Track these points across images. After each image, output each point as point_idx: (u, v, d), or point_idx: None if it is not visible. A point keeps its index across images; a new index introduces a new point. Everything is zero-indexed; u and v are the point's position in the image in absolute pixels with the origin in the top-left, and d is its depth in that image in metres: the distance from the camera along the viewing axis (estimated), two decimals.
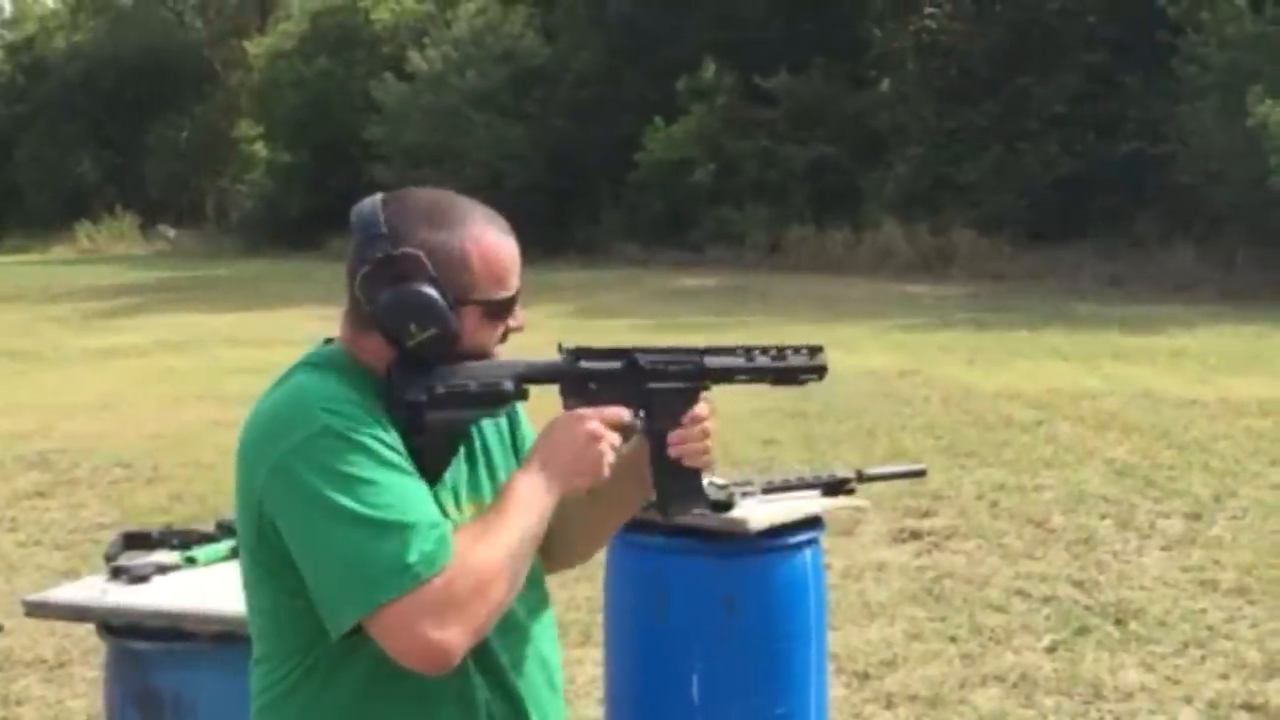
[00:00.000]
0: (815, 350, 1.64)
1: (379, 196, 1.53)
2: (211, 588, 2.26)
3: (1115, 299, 15.08)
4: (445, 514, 1.48)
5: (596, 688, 3.69)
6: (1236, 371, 10.02)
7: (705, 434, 1.58)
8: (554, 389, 1.58)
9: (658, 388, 1.57)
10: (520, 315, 1.58)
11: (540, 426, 1.58)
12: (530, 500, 1.48)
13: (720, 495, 2.68)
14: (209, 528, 2.53)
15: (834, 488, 2.86)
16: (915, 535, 5.57)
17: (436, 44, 23.36)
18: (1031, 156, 18.70)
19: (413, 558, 1.37)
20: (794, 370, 1.63)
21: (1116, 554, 5.31)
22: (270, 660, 1.52)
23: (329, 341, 1.58)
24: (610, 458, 1.52)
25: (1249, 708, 3.79)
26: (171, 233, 28.33)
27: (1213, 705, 3.81)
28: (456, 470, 1.56)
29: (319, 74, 25.72)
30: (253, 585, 1.52)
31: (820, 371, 1.64)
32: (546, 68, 22.76)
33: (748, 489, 2.77)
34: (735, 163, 20.66)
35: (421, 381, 1.49)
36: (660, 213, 21.11)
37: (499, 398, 1.53)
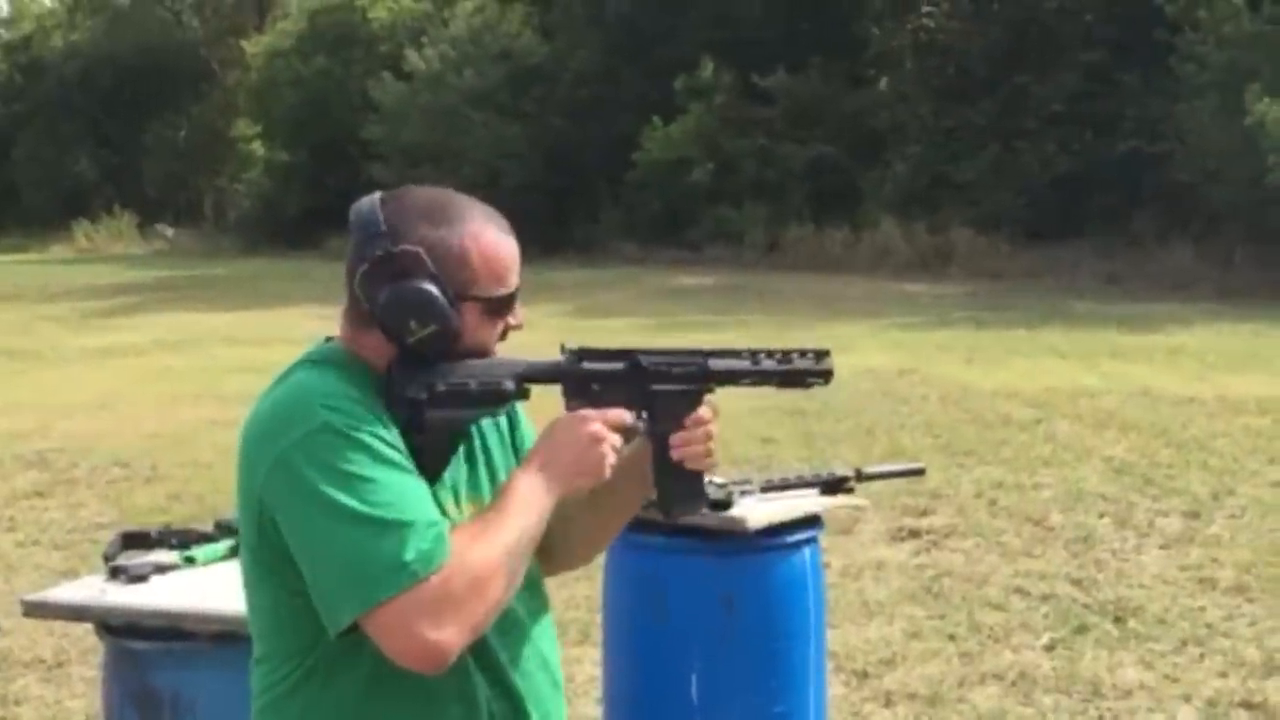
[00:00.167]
0: (822, 354, 1.64)
1: (377, 195, 1.53)
2: (210, 587, 2.26)
3: (1113, 297, 15.08)
4: (445, 513, 1.48)
5: (595, 686, 3.69)
6: (1234, 369, 10.03)
7: (708, 436, 1.58)
8: (556, 389, 1.57)
9: (661, 390, 1.57)
10: (520, 313, 1.57)
11: (541, 427, 1.58)
12: (530, 500, 1.48)
13: (719, 494, 2.68)
14: (207, 527, 2.53)
15: (833, 486, 2.86)
16: (914, 534, 5.57)
17: (434, 43, 23.35)
18: (1029, 155, 18.71)
19: (410, 556, 1.37)
20: (800, 374, 1.62)
21: (1115, 552, 5.31)
22: (271, 660, 1.52)
23: (329, 340, 1.57)
24: (612, 459, 1.52)
25: (1247, 706, 3.79)
26: (169, 232, 28.31)
27: (1211, 703, 3.81)
28: (456, 469, 1.55)
29: (317, 73, 25.70)
30: (253, 584, 1.52)
31: (826, 376, 1.63)
32: (544, 67, 22.76)
33: (746, 488, 2.77)
34: (733, 162, 20.66)
35: (422, 379, 1.48)
36: (658, 212, 21.11)
37: (500, 397, 1.53)
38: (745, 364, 1.60)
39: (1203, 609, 4.61)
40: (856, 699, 3.89)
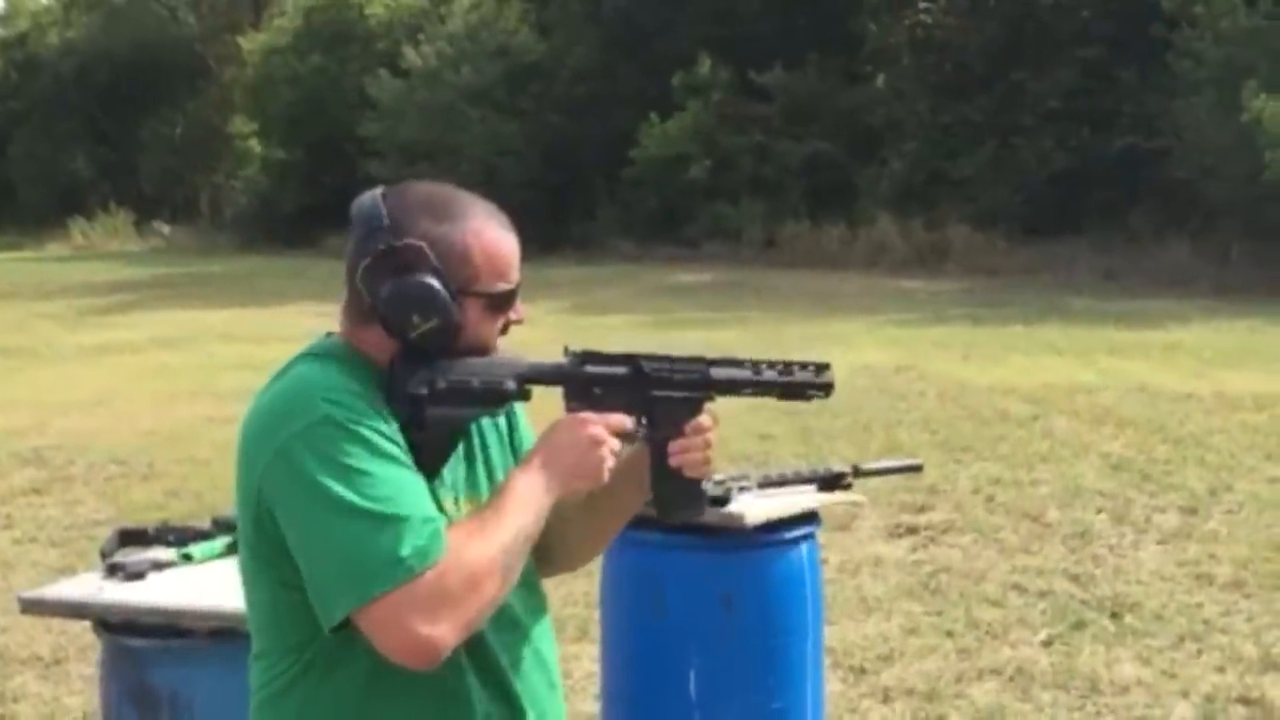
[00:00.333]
0: (822, 367, 1.65)
1: (379, 189, 1.53)
2: (208, 584, 2.26)
3: (1110, 294, 15.09)
4: (442, 511, 1.48)
5: (593, 683, 3.69)
6: (1231, 366, 10.03)
7: (707, 444, 1.58)
8: (557, 391, 1.57)
9: (662, 396, 1.58)
10: (520, 308, 1.58)
11: (540, 429, 1.58)
12: (528, 499, 1.48)
13: (716, 490, 2.68)
14: (205, 524, 2.53)
15: (830, 483, 2.86)
16: (911, 530, 5.57)
17: (431, 40, 23.32)
18: (1026, 151, 18.71)
19: (405, 551, 1.37)
20: (800, 386, 1.64)
21: (1112, 548, 5.31)
22: (269, 656, 1.52)
23: (330, 335, 1.57)
24: (611, 463, 1.52)
25: (1245, 701, 3.80)
26: (166, 229, 28.27)
27: (1209, 699, 3.82)
28: (455, 468, 1.55)
29: (313, 70, 25.65)
30: (251, 579, 1.52)
31: (827, 389, 1.65)
32: (542, 63, 22.73)
33: (744, 484, 2.77)
34: (731, 159, 20.65)
35: (424, 375, 1.49)
36: (656, 208, 21.10)
37: (501, 396, 1.53)
38: (747, 374, 1.62)
39: (1200, 605, 4.62)
40: (854, 695, 3.89)
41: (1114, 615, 4.51)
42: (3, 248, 27.20)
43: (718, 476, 2.76)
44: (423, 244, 1.47)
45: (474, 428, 1.59)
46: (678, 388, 1.58)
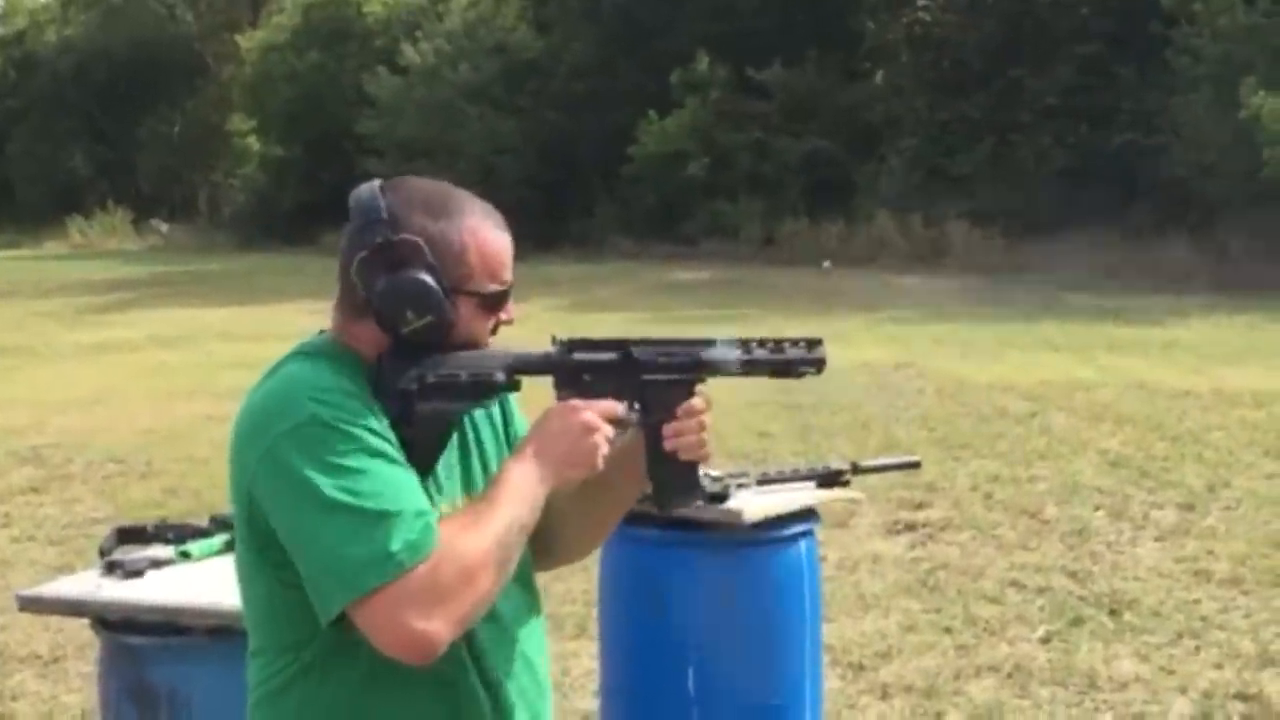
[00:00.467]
0: (814, 343, 1.63)
1: (377, 182, 1.53)
2: (206, 582, 2.26)
3: (1109, 290, 15.09)
4: (435, 506, 1.48)
5: (592, 680, 3.69)
6: (1230, 362, 10.04)
7: (701, 427, 1.57)
8: (548, 381, 1.57)
9: (652, 380, 1.57)
10: (511, 309, 1.57)
11: (534, 419, 1.58)
12: (521, 489, 1.47)
13: (715, 487, 2.68)
14: (203, 522, 2.53)
15: (829, 480, 2.86)
16: (910, 527, 5.58)
17: (429, 37, 23.30)
18: (1025, 148, 18.71)
19: (397, 546, 1.37)
20: (792, 363, 1.62)
21: (1110, 545, 5.32)
22: (266, 654, 1.52)
23: (322, 333, 1.57)
24: (604, 450, 1.52)
25: (1243, 697, 3.80)
26: (164, 227, 28.25)
27: (1207, 695, 3.82)
28: (448, 463, 1.55)
29: (311, 67, 25.64)
30: (248, 577, 1.52)
31: (819, 365, 1.63)
32: (540, 60, 22.72)
33: (742, 481, 2.77)
34: (729, 156, 20.64)
35: (413, 371, 1.48)
36: (654, 206, 21.09)
37: (490, 388, 1.53)
38: (737, 353, 1.60)
39: (1198, 601, 4.62)
40: (852, 692, 3.89)
41: (1112, 612, 4.51)
42: (1, 246, 27.19)
43: (716, 473, 2.76)
44: (419, 240, 1.48)
45: (467, 422, 1.59)
46: (668, 371, 1.57)
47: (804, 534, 2.79)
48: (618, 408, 1.54)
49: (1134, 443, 7.19)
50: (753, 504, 2.70)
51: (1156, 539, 5.40)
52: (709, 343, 1.60)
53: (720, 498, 2.68)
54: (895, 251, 18.63)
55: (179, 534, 2.48)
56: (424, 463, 1.49)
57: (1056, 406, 8.33)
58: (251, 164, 29.00)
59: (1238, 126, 15.70)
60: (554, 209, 21.35)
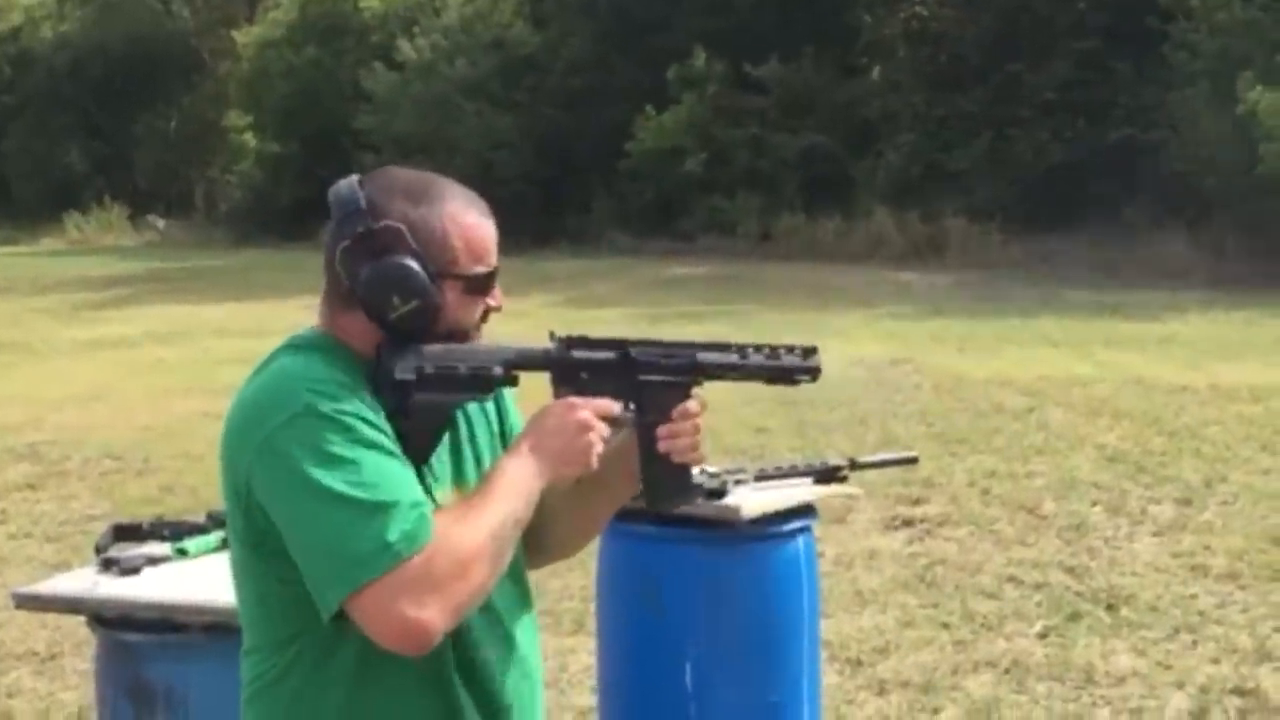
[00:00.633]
0: (809, 351, 1.64)
1: (354, 176, 1.54)
2: (203, 579, 2.25)
3: (1106, 286, 15.10)
4: (431, 499, 1.48)
5: (590, 676, 3.69)
6: (1227, 358, 10.04)
7: (695, 429, 1.58)
8: (545, 378, 1.57)
9: (649, 381, 1.57)
10: (499, 295, 1.57)
11: (530, 415, 1.57)
12: (516, 483, 1.47)
13: (713, 483, 2.68)
14: (200, 519, 2.52)
15: (826, 475, 2.86)
16: (907, 523, 5.58)
17: (426, 32, 23.26)
18: (1022, 144, 18.69)
19: (393, 536, 1.37)
20: (788, 370, 1.63)
21: (1108, 540, 5.32)
22: (261, 651, 1.52)
23: (312, 328, 1.57)
24: (599, 449, 1.52)
25: (1240, 692, 3.81)
26: (161, 223, 28.20)
27: (1204, 690, 3.82)
28: (442, 456, 1.55)
29: (308, 63, 25.59)
30: (242, 574, 1.52)
31: (814, 373, 1.64)
32: (537, 56, 22.69)
33: (740, 477, 2.77)
34: (726, 151, 20.62)
35: (411, 361, 1.48)
36: (651, 202, 21.07)
37: (488, 383, 1.53)
38: (734, 358, 1.61)
39: (1195, 596, 4.63)
40: (850, 687, 3.89)
41: (1109, 607, 4.52)
42: None
43: (713, 469, 2.76)
44: (401, 226, 1.48)
45: (462, 416, 1.58)
46: (665, 372, 1.58)
47: (802, 530, 2.79)
48: (614, 407, 1.55)
49: (1131, 438, 7.20)
50: (750, 500, 2.70)
51: (1154, 534, 5.41)
52: (706, 346, 1.61)
53: (718, 494, 2.68)
54: (892, 247, 18.62)
55: (176, 531, 2.47)
56: (420, 454, 1.49)
57: (1054, 402, 8.33)
58: (248, 160, 28.94)
59: (1235, 122, 15.70)
60: (551, 205, 21.34)
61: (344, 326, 1.52)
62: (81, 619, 2.52)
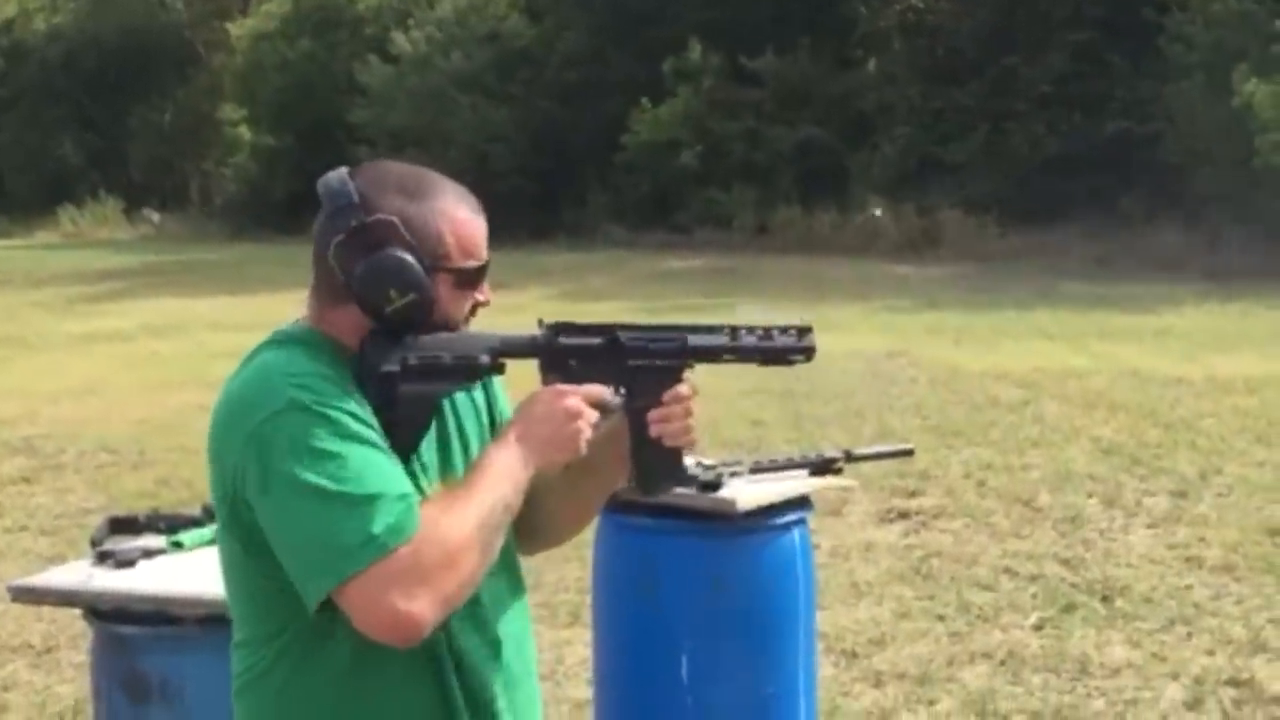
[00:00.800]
0: (804, 331, 1.62)
1: (344, 169, 1.53)
2: (198, 571, 2.25)
3: (1102, 278, 15.11)
4: (419, 491, 1.47)
5: (586, 668, 3.70)
6: (1222, 350, 10.06)
7: (687, 413, 1.57)
8: (534, 364, 1.56)
9: (639, 365, 1.56)
10: (486, 290, 1.57)
11: (519, 402, 1.57)
12: (504, 472, 1.47)
13: (708, 476, 2.68)
14: (195, 512, 2.52)
15: (822, 468, 2.86)
16: (903, 515, 5.59)
17: (420, 25, 23.21)
18: (1018, 136, 18.70)
19: (378, 529, 1.37)
20: (781, 350, 1.61)
21: (1103, 532, 5.33)
22: (250, 643, 1.52)
23: (298, 322, 1.56)
24: (588, 435, 1.51)
25: (1234, 683, 3.82)
26: (156, 217, 28.14)
27: (1198, 681, 3.83)
28: (430, 446, 1.54)
29: (302, 56, 25.53)
30: (230, 567, 1.52)
31: (808, 352, 1.62)
32: (532, 49, 22.65)
33: (736, 469, 2.77)
34: (722, 144, 20.61)
35: (395, 353, 1.48)
36: (647, 194, 21.06)
37: (474, 371, 1.52)
38: (725, 340, 1.59)
39: (1190, 588, 4.64)
40: (846, 679, 3.90)
41: (1104, 598, 4.53)
42: None
43: (709, 462, 2.76)
44: (395, 220, 1.47)
45: (449, 406, 1.58)
46: (655, 356, 1.56)
47: (797, 522, 2.79)
48: (603, 392, 1.54)
49: (1126, 430, 7.21)
50: (746, 492, 2.70)
51: (1149, 526, 5.42)
52: (696, 329, 1.59)
53: (713, 486, 2.68)
54: (888, 240, 18.62)
55: (171, 524, 2.47)
56: (407, 445, 1.49)
57: (1049, 394, 8.34)
58: (243, 153, 28.87)
59: (1230, 114, 15.71)
60: (547, 198, 21.31)
61: (333, 320, 1.51)
62: (77, 612, 2.52)
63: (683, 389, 1.57)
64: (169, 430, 7.60)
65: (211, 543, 2.36)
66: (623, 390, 1.56)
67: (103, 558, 2.34)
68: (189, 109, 31.14)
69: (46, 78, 30.98)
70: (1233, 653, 4.03)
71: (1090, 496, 5.86)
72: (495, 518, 1.45)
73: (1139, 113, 17.67)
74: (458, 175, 1.61)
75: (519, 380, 1.61)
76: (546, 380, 1.54)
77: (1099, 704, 3.73)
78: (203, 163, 30.46)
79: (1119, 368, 9.29)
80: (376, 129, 22.89)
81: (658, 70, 20.92)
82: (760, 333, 1.60)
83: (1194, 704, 3.70)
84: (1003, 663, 3.99)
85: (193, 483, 6.12)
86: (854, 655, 4.06)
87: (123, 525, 2.50)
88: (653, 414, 1.56)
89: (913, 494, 5.86)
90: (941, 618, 4.37)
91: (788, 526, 2.77)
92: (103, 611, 2.27)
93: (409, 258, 1.46)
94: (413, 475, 1.48)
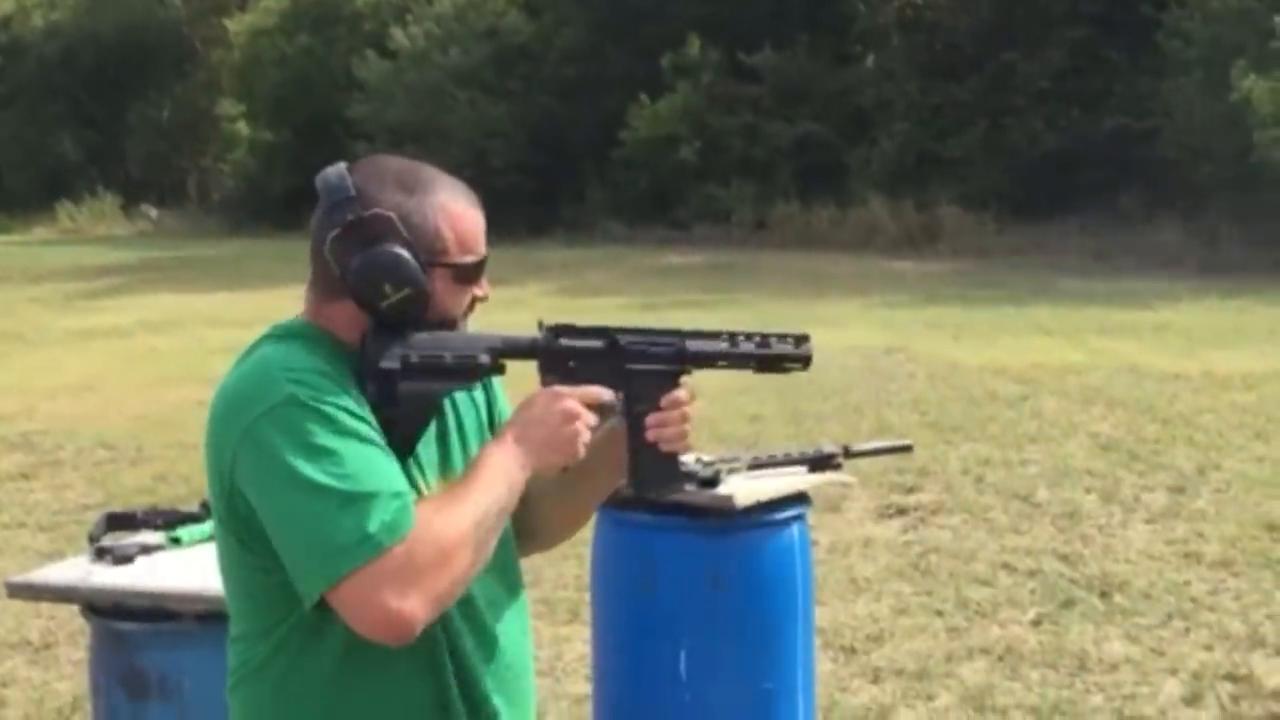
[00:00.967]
0: (801, 339, 1.63)
1: (342, 164, 1.52)
2: (196, 567, 2.25)
3: (1100, 274, 15.12)
4: (416, 489, 1.47)
5: (585, 665, 3.70)
6: (1220, 346, 10.06)
7: (684, 418, 1.57)
8: (534, 366, 1.56)
9: (638, 369, 1.56)
10: (485, 285, 1.57)
11: (519, 403, 1.57)
12: (500, 473, 1.47)
13: (706, 472, 2.68)
14: (193, 508, 2.52)
15: (820, 464, 2.86)
16: (901, 511, 5.59)
17: (419, 20, 23.18)
18: (1016, 132, 18.69)
19: (373, 527, 1.37)
20: (778, 358, 1.62)
21: (1101, 528, 5.34)
22: (247, 638, 1.52)
23: (297, 317, 1.56)
24: (585, 437, 1.51)
25: (1232, 678, 3.82)
26: (154, 212, 28.11)
27: (1196, 676, 3.84)
28: (429, 446, 1.54)
29: (300, 51, 25.50)
30: (227, 562, 1.52)
31: (805, 361, 1.63)
32: (530, 44, 22.63)
33: (734, 465, 2.77)
34: (721, 140, 20.60)
35: (396, 350, 1.47)
36: (646, 190, 21.05)
37: (474, 371, 1.52)
38: (723, 346, 1.60)
39: (1188, 583, 4.64)
40: (845, 675, 3.90)
41: (1103, 594, 4.53)
42: None
43: (708, 458, 2.76)
44: (392, 214, 1.47)
45: (449, 405, 1.58)
46: (653, 361, 1.56)
47: (796, 518, 2.79)
48: (601, 395, 1.54)
49: (1125, 426, 7.21)
50: (744, 488, 2.70)
51: (1147, 521, 5.42)
52: (695, 334, 1.59)
53: (711, 482, 2.68)
54: (887, 235, 18.62)
55: (169, 520, 2.47)
56: (405, 443, 1.48)
57: (1048, 390, 8.34)
58: (241, 149, 28.85)
59: (1228, 110, 15.71)
60: (545, 194, 21.30)
61: (330, 315, 1.51)
62: (75, 608, 2.52)
63: (680, 394, 1.57)
64: (167, 426, 7.59)
65: (209, 539, 2.37)
66: (621, 394, 1.56)
67: (101, 554, 2.34)
68: (187, 105, 31.11)
69: (44, 74, 30.94)
70: (1231, 648, 4.04)
71: (1088, 492, 5.86)
72: (490, 518, 1.44)
73: (1137, 109, 17.67)
74: (456, 171, 1.61)
75: (519, 381, 1.61)
76: (545, 382, 1.54)
77: (1097, 699, 3.73)
78: (201, 159, 30.44)
79: (1117, 363, 9.30)
80: (375, 125, 22.86)
81: (656, 66, 20.90)
82: (758, 340, 1.61)
83: (1192, 699, 3.70)
84: (1001, 658, 4.00)
85: (191, 479, 6.12)
86: (852, 651, 4.06)
87: (121, 521, 2.50)
88: (650, 418, 1.56)
89: (911, 490, 5.86)
90: (940, 613, 4.38)
91: (786, 522, 2.77)
92: (101, 607, 2.27)
93: (405, 253, 1.46)
94: (410, 473, 1.48)
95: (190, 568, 2.27)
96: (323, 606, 1.40)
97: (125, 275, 18.07)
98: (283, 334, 1.51)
